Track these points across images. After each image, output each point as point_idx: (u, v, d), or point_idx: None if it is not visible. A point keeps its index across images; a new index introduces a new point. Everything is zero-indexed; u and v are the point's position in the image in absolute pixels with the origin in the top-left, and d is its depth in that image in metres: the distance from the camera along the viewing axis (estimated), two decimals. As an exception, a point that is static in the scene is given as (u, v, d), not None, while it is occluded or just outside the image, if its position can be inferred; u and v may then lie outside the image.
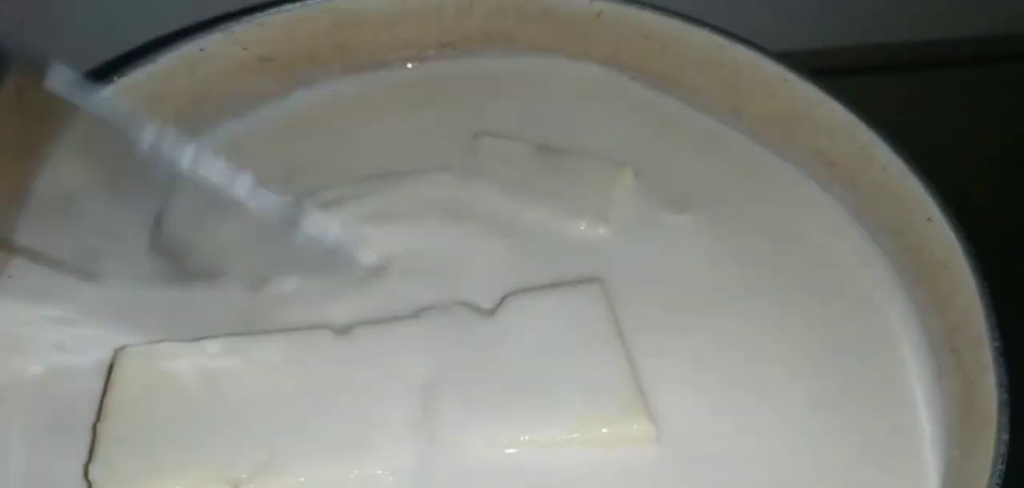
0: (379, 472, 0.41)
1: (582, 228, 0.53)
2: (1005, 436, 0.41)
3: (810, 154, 0.59)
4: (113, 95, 0.52)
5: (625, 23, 0.63)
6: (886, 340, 0.50)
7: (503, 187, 0.54)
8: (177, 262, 0.45)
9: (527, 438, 0.43)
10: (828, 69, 0.64)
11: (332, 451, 0.41)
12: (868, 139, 0.56)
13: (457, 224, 0.53)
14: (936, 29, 0.87)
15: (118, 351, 0.43)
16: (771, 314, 0.50)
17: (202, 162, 0.42)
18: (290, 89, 0.61)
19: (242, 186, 0.44)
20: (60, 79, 0.39)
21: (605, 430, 0.43)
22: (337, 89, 0.61)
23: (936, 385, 0.48)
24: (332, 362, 0.44)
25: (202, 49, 0.57)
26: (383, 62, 0.63)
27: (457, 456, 0.43)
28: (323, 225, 0.46)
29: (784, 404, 0.46)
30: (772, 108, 0.61)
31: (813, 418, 0.46)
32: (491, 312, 0.48)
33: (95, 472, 0.38)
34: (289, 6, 0.59)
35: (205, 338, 0.44)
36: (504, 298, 0.48)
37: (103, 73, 0.53)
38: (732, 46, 0.61)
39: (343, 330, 0.46)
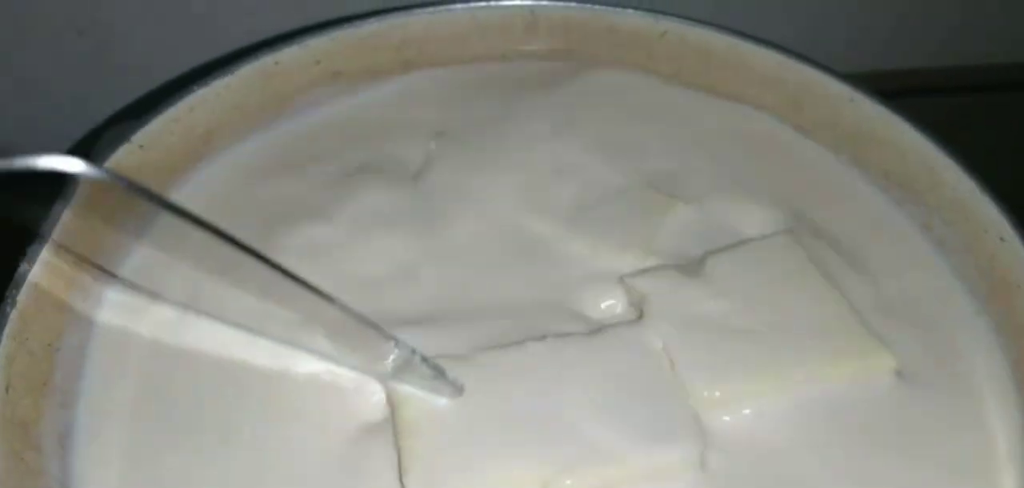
0: (680, 458, 0.42)
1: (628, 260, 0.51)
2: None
3: (879, 174, 0.58)
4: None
5: (688, 42, 0.63)
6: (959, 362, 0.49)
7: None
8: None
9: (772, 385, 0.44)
10: (895, 91, 0.63)
11: (638, 441, 0.41)
12: (937, 160, 0.56)
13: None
14: (1005, 51, 0.85)
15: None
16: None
17: None
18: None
19: None
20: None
21: (848, 367, 0.45)
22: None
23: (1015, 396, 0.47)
24: (590, 362, 0.45)
25: (277, 62, 0.59)
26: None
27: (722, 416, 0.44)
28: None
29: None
30: (839, 130, 0.60)
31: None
32: (696, 270, 0.49)
33: (413, 483, 0.39)
34: (362, 22, 0.61)
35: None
36: (705, 255, 0.49)
37: (184, 82, 0.55)
38: (797, 65, 0.61)
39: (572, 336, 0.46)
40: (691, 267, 0.50)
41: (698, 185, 0.56)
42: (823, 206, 0.57)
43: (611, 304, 0.50)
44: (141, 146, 0.53)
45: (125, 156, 0.52)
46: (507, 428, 0.42)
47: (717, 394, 0.44)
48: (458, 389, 0.42)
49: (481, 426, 0.41)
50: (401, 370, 0.42)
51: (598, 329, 0.46)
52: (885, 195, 0.58)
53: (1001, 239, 0.51)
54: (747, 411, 0.45)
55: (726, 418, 0.44)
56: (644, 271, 0.50)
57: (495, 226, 0.53)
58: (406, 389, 0.42)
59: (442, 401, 0.42)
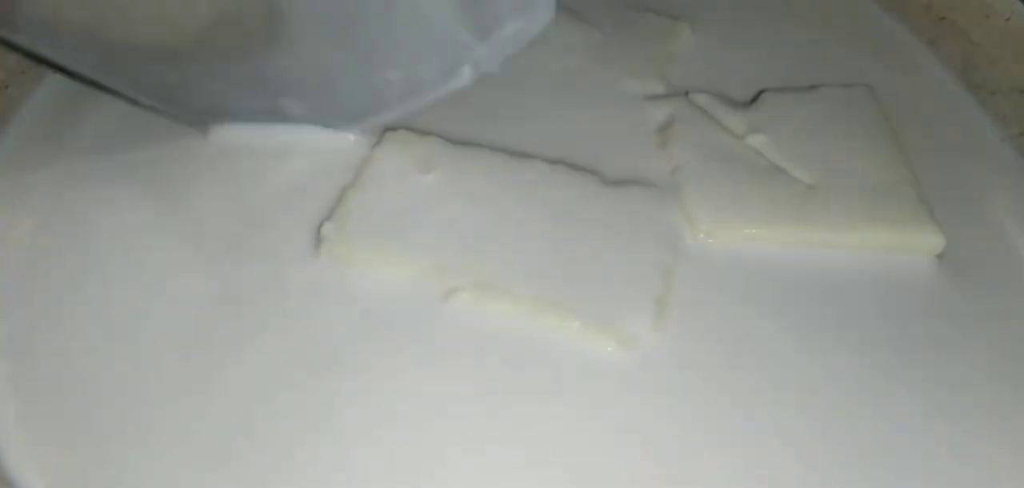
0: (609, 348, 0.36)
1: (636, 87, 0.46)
2: None
3: (917, 8, 0.51)
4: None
5: None
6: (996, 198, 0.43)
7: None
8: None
9: (790, 235, 0.39)
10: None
11: (558, 305, 0.36)
12: (988, -14, 0.48)
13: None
14: None
15: (387, 129, 0.41)
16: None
17: None
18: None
19: None
20: None
21: (892, 238, 0.39)
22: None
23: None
24: (585, 200, 0.40)
25: None
26: None
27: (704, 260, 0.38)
28: None
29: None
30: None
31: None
32: (747, 104, 0.44)
33: (328, 228, 0.37)
34: None
35: (473, 145, 0.41)
36: (761, 92, 0.44)
37: None
38: None
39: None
40: (740, 101, 0.44)
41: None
42: (854, 33, 0.51)
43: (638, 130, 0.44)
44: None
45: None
46: (446, 220, 0.38)
47: (703, 230, 0.39)
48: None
49: (419, 208, 0.38)
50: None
51: (617, 181, 0.41)
52: (923, 31, 0.51)
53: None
54: (745, 251, 0.39)
55: (714, 248, 0.39)
56: (677, 96, 0.44)
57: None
58: (385, 151, 0.40)
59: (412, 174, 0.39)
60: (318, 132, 0.42)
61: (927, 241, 0.38)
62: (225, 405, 0.33)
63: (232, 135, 0.42)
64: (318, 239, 0.38)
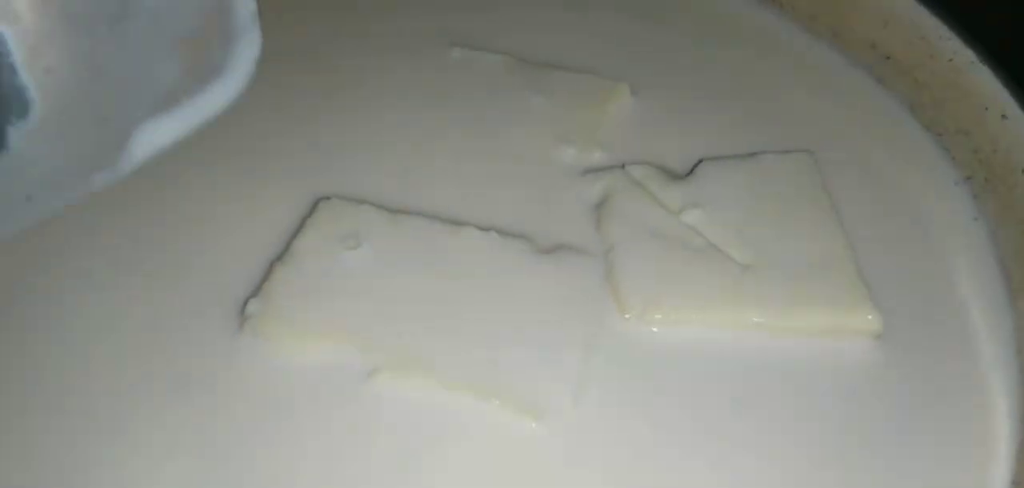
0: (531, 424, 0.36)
1: (570, 154, 0.45)
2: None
3: (863, 47, 0.51)
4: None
5: None
6: (944, 258, 0.42)
7: (475, 108, 0.47)
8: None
9: (722, 317, 0.38)
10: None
11: (477, 381, 0.36)
12: (931, 27, 0.48)
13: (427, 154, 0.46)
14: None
15: (321, 200, 0.41)
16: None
17: None
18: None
19: None
20: None
21: (826, 320, 0.38)
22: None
23: (1007, 309, 0.40)
24: (515, 269, 0.40)
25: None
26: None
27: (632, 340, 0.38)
28: None
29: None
30: (817, -2, 0.52)
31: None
32: (685, 176, 0.43)
33: (253, 306, 0.38)
34: None
35: (405, 213, 0.41)
36: (699, 162, 0.43)
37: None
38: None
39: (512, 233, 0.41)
40: (677, 171, 0.44)
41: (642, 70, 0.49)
42: (795, 89, 0.50)
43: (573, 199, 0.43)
44: None
45: None
46: (373, 294, 0.38)
47: (632, 312, 0.38)
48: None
49: (348, 283, 0.39)
50: None
51: (549, 248, 0.41)
52: (869, 72, 0.50)
53: (1003, 117, 0.43)
54: (676, 333, 0.38)
55: (644, 330, 0.38)
56: (614, 167, 0.44)
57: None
58: (315, 221, 0.41)
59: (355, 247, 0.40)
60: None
61: (863, 323, 0.38)
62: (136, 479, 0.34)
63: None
64: (242, 318, 0.38)
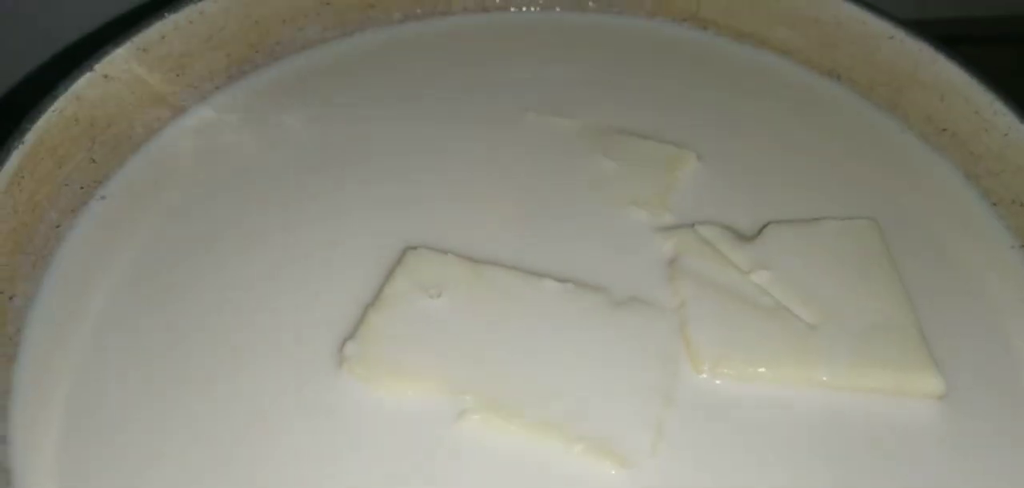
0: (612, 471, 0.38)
1: (642, 217, 0.48)
2: None
3: (920, 119, 0.53)
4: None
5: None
6: (1003, 321, 0.44)
7: (550, 170, 0.50)
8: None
9: (791, 374, 0.40)
10: (947, 37, 0.57)
11: (562, 426, 0.38)
12: (986, 102, 0.50)
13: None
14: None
15: (408, 249, 0.44)
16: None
17: None
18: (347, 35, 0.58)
19: None
20: None
21: (890, 381, 0.40)
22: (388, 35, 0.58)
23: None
24: (592, 320, 0.42)
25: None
26: (443, 11, 0.59)
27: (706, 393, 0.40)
28: None
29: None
30: (875, 69, 0.55)
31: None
32: (752, 238, 0.45)
33: (351, 349, 0.40)
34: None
35: (487, 263, 0.44)
36: (766, 225, 0.46)
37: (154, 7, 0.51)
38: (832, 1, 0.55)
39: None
40: (745, 233, 0.46)
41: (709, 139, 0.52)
42: (855, 156, 0.52)
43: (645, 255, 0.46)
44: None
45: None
46: (461, 340, 0.41)
47: (706, 367, 0.40)
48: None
49: (435, 329, 0.41)
50: None
51: (624, 300, 0.43)
52: (925, 142, 0.52)
53: (1057, 191, 0.45)
54: (745, 389, 0.40)
55: (716, 383, 0.40)
56: (683, 227, 0.46)
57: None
58: (404, 270, 0.43)
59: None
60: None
61: (927, 385, 0.40)
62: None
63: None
64: (340, 358, 0.41)
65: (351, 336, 0.41)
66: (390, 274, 0.44)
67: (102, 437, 0.38)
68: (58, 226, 0.46)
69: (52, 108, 0.45)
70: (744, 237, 0.46)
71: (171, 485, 0.37)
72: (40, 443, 0.38)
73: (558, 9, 0.60)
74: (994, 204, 0.49)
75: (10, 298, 0.42)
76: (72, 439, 0.38)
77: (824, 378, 0.40)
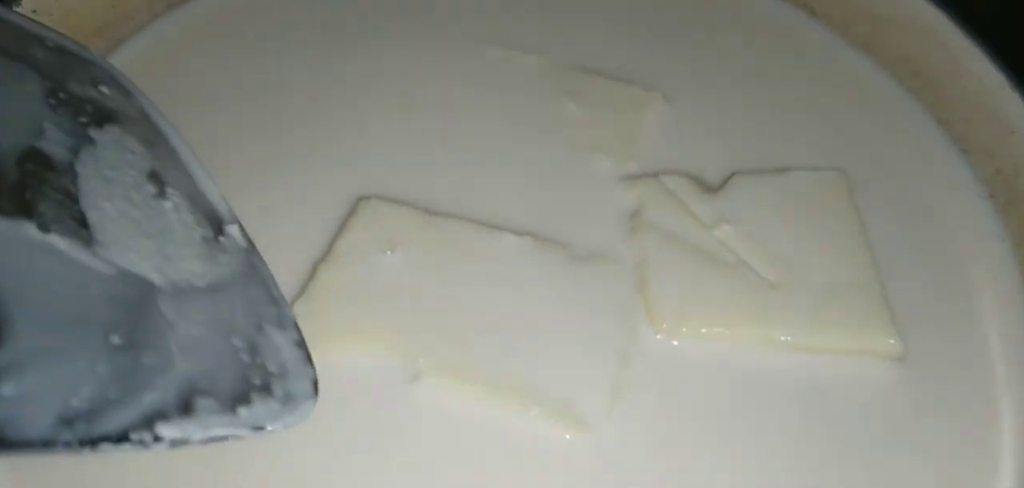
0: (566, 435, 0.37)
1: (605, 164, 0.46)
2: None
3: (894, 60, 0.51)
4: None
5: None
6: (969, 278, 0.43)
7: (512, 113, 0.48)
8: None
9: (750, 335, 0.40)
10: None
11: (518, 391, 0.38)
12: (962, 47, 0.48)
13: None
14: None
15: (360, 198, 0.42)
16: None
17: None
18: None
19: None
20: None
21: (849, 341, 0.39)
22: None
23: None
24: (551, 276, 0.41)
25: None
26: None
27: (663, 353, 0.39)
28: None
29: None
30: (850, 7, 0.53)
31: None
32: (717, 189, 0.44)
33: (300, 308, 0.39)
34: None
35: (443, 216, 0.42)
36: (732, 175, 0.44)
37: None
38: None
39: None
40: (711, 183, 0.45)
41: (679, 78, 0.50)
42: (827, 99, 0.50)
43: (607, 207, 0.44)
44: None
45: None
46: (415, 298, 0.40)
47: (664, 326, 0.40)
48: None
49: (388, 286, 0.40)
50: None
51: (584, 256, 0.42)
52: (899, 84, 0.51)
53: (1029, 142, 0.44)
54: (704, 347, 0.40)
55: (674, 343, 0.40)
56: (648, 176, 0.45)
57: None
58: (358, 222, 0.42)
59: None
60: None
61: (885, 346, 0.39)
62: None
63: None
64: (289, 317, 0.39)
65: (300, 294, 0.40)
66: (342, 227, 0.42)
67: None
68: None
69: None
70: (709, 188, 0.45)
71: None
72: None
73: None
74: (964, 150, 0.48)
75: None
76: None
77: (783, 338, 0.39)
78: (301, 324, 0.39)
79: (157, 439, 0.30)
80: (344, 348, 0.39)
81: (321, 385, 0.38)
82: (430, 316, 0.39)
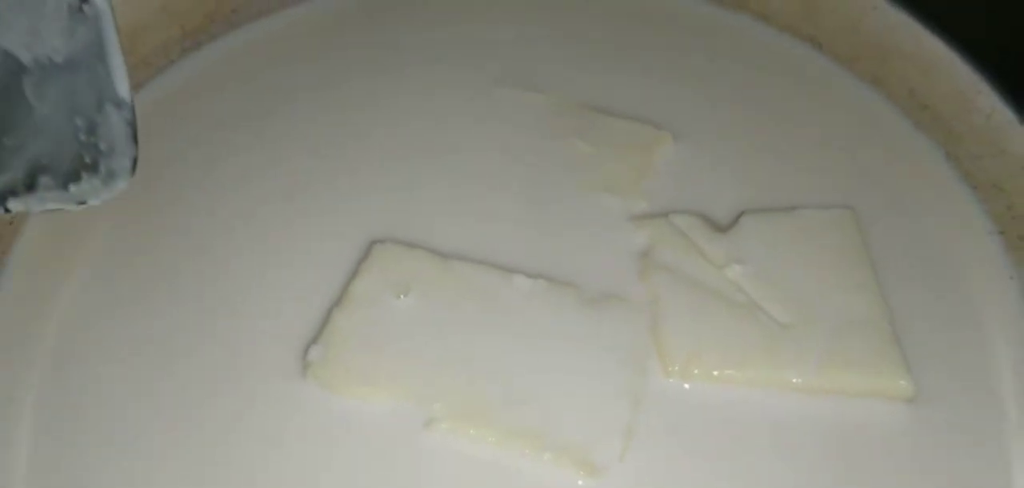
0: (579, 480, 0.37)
1: (616, 204, 0.47)
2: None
3: (903, 94, 0.52)
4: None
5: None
6: (978, 312, 0.44)
7: (521, 154, 0.48)
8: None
9: (761, 377, 0.40)
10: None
11: (531, 437, 0.38)
12: (970, 81, 0.48)
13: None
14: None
15: (374, 242, 0.43)
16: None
17: None
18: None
19: None
20: None
21: (860, 383, 0.39)
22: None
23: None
24: (563, 319, 0.41)
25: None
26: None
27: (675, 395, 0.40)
28: None
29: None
30: (857, 40, 0.53)
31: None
32: (727, 229, 0.44)
33: (314, 353, 0.39)
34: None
35: (457, 259, 0.43)
36: (742, 214, 0.45)
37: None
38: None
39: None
40: (720, 222, 0.45)
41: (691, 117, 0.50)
42: (836, 136, 0.51)
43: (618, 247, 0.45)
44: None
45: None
46: (428, 343, 0.40)
47: (676, 369, 0.40)
48: None
49: (402, 330, 0.40)
50: None
51: (595, 297, 0.42)
52: (907, 118, 0.51)
53: (1039, 179, 0.44)
54: (716, 390, 0.40)
55: (686, 386, 0.40)
56: (657, 216, 0.45)
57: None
58: (371, 266, 0.42)
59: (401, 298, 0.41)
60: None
61: (896, 388, 0.39)
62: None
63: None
64: (304, 364, 0.40)
65: (315, 340, 0.40)
66: (356, 271, 0.42)
67: (72, 454, 0.38)
68: (12, 224, 0.44)
69: None
70: (719, 227, 0.45)
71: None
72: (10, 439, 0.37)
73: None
74: (974, 187, 0.48)
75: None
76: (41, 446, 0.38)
77: (795, 380, 0.40)
78: (316, 370, 0.39)
79: (7, 210, 0.34)
80: (359, 394, 0.39)
81: (335, 432, 0.38)
82: (444, 360, 0.40)
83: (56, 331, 0.42)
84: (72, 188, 0.35)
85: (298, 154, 0.48)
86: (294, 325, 0.41)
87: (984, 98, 0.48)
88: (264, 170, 0.48)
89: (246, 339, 0.41)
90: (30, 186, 0.35)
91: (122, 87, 0.35)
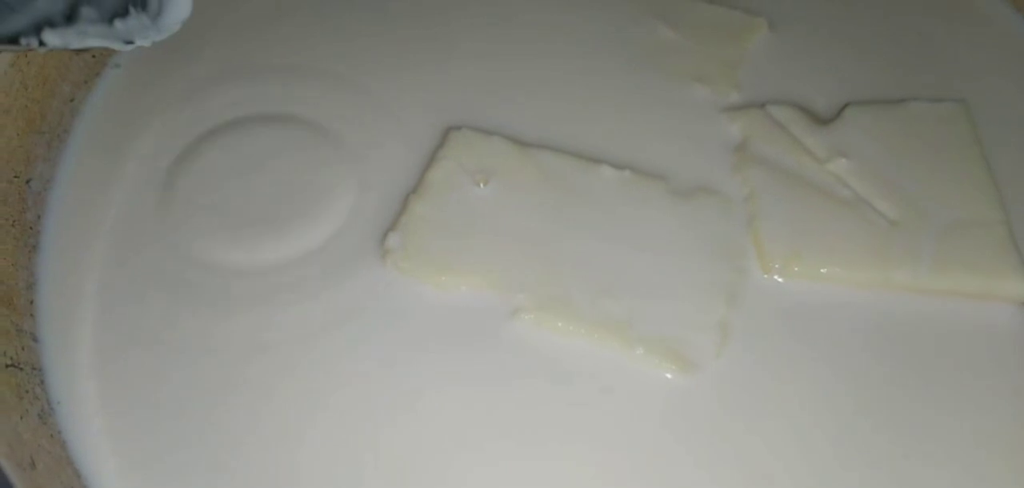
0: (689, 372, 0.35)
1: (706, 93, 0.44)
2: None
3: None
4: None
5: None
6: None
7: (606, 42, 0.45)
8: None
9: (868, 277, 0.37)
10: None
11: (623, 330, 0.36)
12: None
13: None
14: None
15: (450, 129, 0.41)
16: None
17: None
18: None
19: None
20: None
21: (975, 284, 0.37)
22: None
23: None
24: (652, 212, 0.39)
25: None
26: None
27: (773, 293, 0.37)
28: None
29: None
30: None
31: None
32: (829, 121, 0.42)
33: (393, 240, 0.38)
34: None
35: (538, 147, 0.40)
36: (845, 106, 0.42)
37: None
38: None
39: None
40: (821, 115, 0.42)
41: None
42: (944, 29, 0.47)
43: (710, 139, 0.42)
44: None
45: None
46: (512, 232, 0.38)
47: (776, 267, 0.37)
48: None
49: (483, 218, 0.38)
50: None
51: (686, 190, 0.40)
52: (1019, 13, 0.48)
53: None
54: (818, 288, 0.37)
55: (784, 284, 0.37)
56: (753, 107, 0.42)
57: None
58: (448, 153, 0.40)
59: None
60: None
61: (1014, 289, 0.37)
62: (283, 408, 0.34)
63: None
64: (383, 250, 0.38)
65: (393, 227, 0.38)
66: (432, 158, 0.40)
67: (137, 332, 0.36)
68: (72, 100, 0.42)
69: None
70: (820, 120, 0.42)
71: (217, 385, 0.35)
72: (73, 340, 0.36)
73: None
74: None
75: (27, 182, 0.39)
76: (106, 335, 0.36)
77: (904, 280, 0.37)
78: (395, 257, 0.37)
79: (42, 44, 0.30)
80: (440, 282, 0.37)
81: (419, 321, 0.36)
82: (528, 251, 0.38)
83: (117, 215, 0.40)
84: (117, 24, 0.32)
85: (372, 42, 0.46)
86: (371, 212, 0.39)
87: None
88: (336, 60, 0.45)
89: (322, 228, 0.39)
90: (70, 16, 0.31)
91: None
